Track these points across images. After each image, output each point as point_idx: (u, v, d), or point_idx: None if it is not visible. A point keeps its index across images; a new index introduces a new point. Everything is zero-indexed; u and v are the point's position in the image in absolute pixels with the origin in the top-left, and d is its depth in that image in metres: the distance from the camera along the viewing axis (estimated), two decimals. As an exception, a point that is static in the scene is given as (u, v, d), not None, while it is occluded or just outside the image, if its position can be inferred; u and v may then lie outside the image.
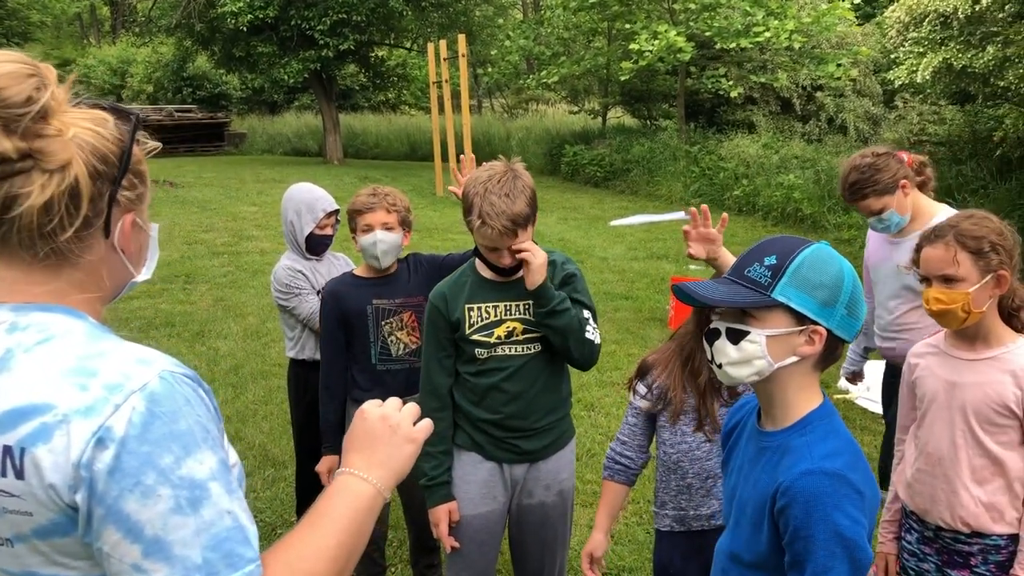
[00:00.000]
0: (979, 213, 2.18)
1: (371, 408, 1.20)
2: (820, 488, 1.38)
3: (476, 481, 2.45)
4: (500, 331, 2.37)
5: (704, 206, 2.36)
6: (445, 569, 2.72)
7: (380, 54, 23.66)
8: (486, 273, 2.40)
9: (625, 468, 2.43)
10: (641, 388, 2.40)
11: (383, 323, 2.95)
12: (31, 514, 0.95)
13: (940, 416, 2.20)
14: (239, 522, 0.97)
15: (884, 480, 3.13)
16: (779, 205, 11.71)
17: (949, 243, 2.11)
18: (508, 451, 2.44)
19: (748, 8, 13.71)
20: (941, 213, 2.97)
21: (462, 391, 2.45)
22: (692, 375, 2.29)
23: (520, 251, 2.25)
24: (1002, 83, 9.66)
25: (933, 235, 2.16)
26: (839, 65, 14.01)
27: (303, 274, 3.31)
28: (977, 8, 8.74)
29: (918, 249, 2.22)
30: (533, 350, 2.40)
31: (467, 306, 2.38)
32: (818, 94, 16.02)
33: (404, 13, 19.90)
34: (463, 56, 14.31)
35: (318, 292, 3.29)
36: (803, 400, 1.50)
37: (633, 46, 13.76)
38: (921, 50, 10.24)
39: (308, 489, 3.43)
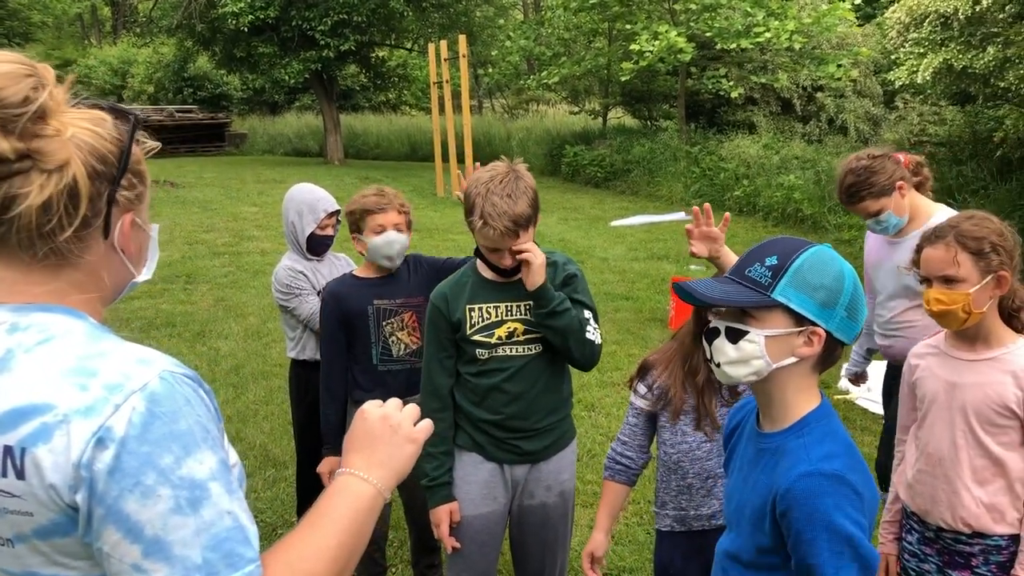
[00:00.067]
0: (979, 214, 2.18)
1: (372, 408, 1.20)
2: (819, 489, 1.38)
3: (477, 482, 2.45)
4: (501, 332, 2.37)
5: (707, 205, 2.36)
6: (446, 569, 2.72)
7: (381, 55, 23.67)
8: (487, 274, 2.40)
9: (626, 468, 2.43)
10: (641, 388, 2.40)
11: (384, 323, 2.95)
12: (32, 514, 0.95)
13: (941, 417, 2.20)
14: (239, 522, 0.97)
15: (884, 480, 3.14)
16: (779, 206, 11.71)
17: (950, 244, 2.11)
18: (509, 452, 2.44)
19: (749, 9, 13.71)
20: (939, 213, 2.97)
21: (463, 392, 2.45)
22: (691, 373, 2.29)
23: (520, 252, 2.25)
24: (1002, 84, 9.66)
25: (934, 236, 2.16)
26: (839, 66, 14.01)
27: (304, 275, 3.31)
28: (977, 9, 8.74)
29: (918, 250, 2.22)
30: (534, 351, 2.40)
31: (468, 307, 2.38)
32: (818, 95, 16.01)
33: (405, 14, 19.91)
34: (464, 57, 14.32)
35: (318, 292, 3.29)
36: (801, 401, 1.50)
37: (634, 47, 13.76)
38: (921, 51, 10.24)
39: (309, 489, 3.43)
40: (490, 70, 21.39)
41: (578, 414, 4.89)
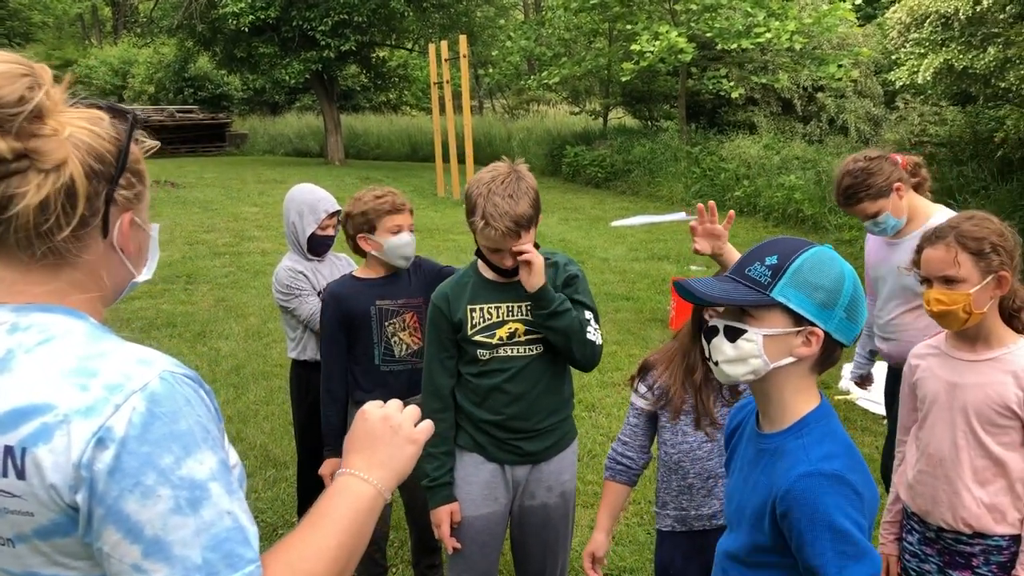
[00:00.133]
0: (980, 214, 2.18)
1: (372, 409, 1.20)
2: (819, 490, 1.38)
3: (478, 482, 2.45)
4: (502, 332, 2.37)
5: (711, 202, 2.37)
6: (446, 570, 2.72)
7: (381, 55, 23.69)
8: (488, 274, 2.40)
9: (626, 468, 2.43)
10: (642, 388, 2.40)
11: (387, 324, 2.95)
12: (32, 514, 0.95)
13: (941, 417, 2.19)
14: (239, 522, 0.97)
15: (888, 483, 3.13)
16: (780, 206, 11.71)
17: (950, 244, 2.11)
18: (510, 452, 2.44)
19: (749, 9, 13.71)
20: (938, 214, 2.97)
21: (464, 392, 2.45)
22: (689, 371, 2.30)
23: (520, 252, 2.25)
24: (1003, 84, 9.66)
25: (934, 236, 2.16)
26: (840, 66, 14.01)
27: (304, 275, 3.31)
28: (978, 9, 8.74)
29: (919, 250, 2.21)
30: (535, 351, 2.40)
31: (469, 307, 2.38)
32: (819, 95, 16.01)
33: (405, 14, 19.92)
34: (464, 57, 14.32)
35: (319, 293, 3.29)
36: (800, 402, 1.50)
37: (634, 47, 13.76)
38: (922, 51, 10.24)
39: (309, 490, 3.43)
40: (491, 70, 21.38)
41: (579, 414, 4.89)
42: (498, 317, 2.37)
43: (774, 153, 13.47)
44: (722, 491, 2.30)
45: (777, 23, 13.22)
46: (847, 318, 1.44)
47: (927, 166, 3.18)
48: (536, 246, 2.30)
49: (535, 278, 2.26)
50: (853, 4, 13.65)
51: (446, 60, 14.76)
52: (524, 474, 2.48)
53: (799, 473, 1.41)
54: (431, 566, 3.26)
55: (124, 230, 1.08)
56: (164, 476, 0.93)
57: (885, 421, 4.86)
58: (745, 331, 1.45)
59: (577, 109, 22.81)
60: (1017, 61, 9.00)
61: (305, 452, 3.47)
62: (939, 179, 9.86)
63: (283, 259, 3.39)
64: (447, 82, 14.63)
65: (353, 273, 3.08)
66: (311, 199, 3.31)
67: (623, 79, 15.02)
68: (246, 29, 18.68)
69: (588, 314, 2.40)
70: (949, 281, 2.10)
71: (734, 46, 13.47)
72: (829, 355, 1.47)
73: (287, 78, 19.84)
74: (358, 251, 2.98)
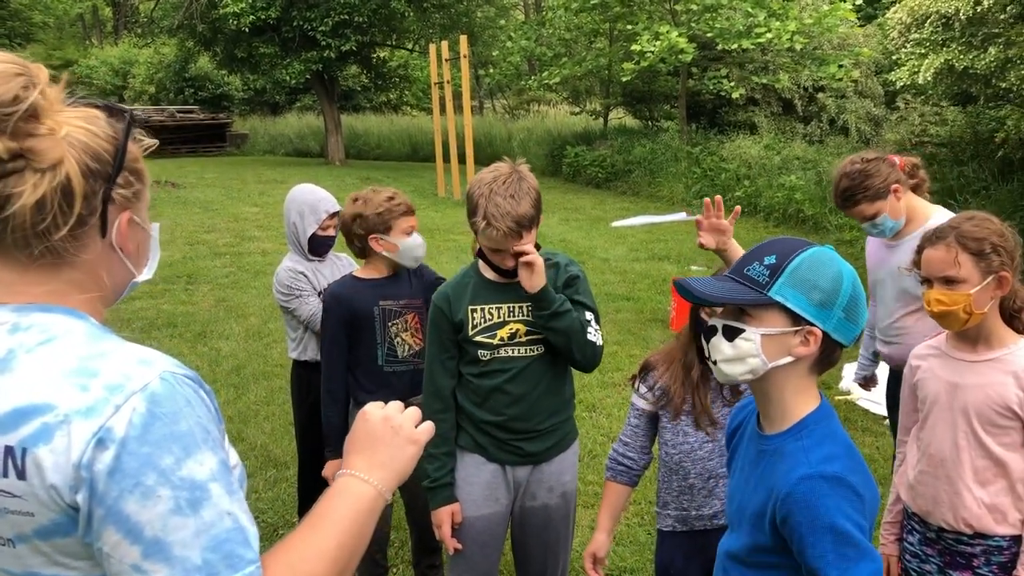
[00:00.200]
0: (980, 214, 2.18)
1: (373, 410, 1.20)
2: (820, 492, 1.38)
3: (479, 483, 2.45)
4: (503, 333, 2.37)
5: (718, 197, 2.38)
6: (447, 570, 2.73)
7: (382, 55, 23.68)
8: (489, 274, 2.40)
9: (627, 469, 2.43)
10: (643, 388, 2.41)
11: (390, 324, 2.95)
12: (33, 514, 0.95)
13: (942, 418, 2.19)
14: (239, 523, 0.97)
15: None
16: (781, 206, 11.70)
17: (950, 244, 2.11)
18: (511, 453, 2.44)
19: (750, 9, 13.70)
20: (936, 215, 2.96)
21: (465, 393, 2.45)
22: (686, 369, 2.30)
23: (521, 253, 2.25)
24: (1004, 84, 9.66)
25: (934, 236, 2.16)
26: (841, 66, 14.00)
27: (304, 275, 3.31)
28: (979, 9, 8.73)
29: (919, 250, 2.22)
30: (536, 352, 2.39)
31: (470, 307, 2.38)
32: (820, 95, 16.01)
33: (406, 14, 19.91)
34: (465, 57, 14.31)
35: (319, 293, 3.29)
36: (800, 403, 1.50)
37: (635, 47, 13.75)
38: (923, 51, 10.24)
39: (310, 490, 3.44)
40: (491, 70, 21.37)
41: (579, 415, 4.89)
42: (499, 318, 2.37)
43: (775, 153, 13.47)
44: (723, 491, 2.30)
45: (778, 23, 13.22)
46: (846, 318, 1.44)
47: (925, 167, 3.17)
48: (537, 247, 2.30)
49: (536, 279, 2.26)
50: (854, 4, 13.64)
51: (447, 60, 14.76)
52: (525, 475, 2.48)
53: (800, 475, 1.41)
54: (431, 566, 3.26)
55: (123, 229, 1.07)
56: (164, 477, 0.93)
57: (886, 421, 4.87)
58: (743, 330, 1.45)
59: (577, 109, 22.80)
60: (1018, 61, 9.00)
61: (306, 452, 3.47)
62: (940, 179, 9.87)
63: (284, 259, 3.39)
64: (448, 82, 14.62)
65: (354, 273, 3.07)
66: (312, 199, 3.31)
67: (624, 79, 15.01)
68: (247, 29, 18.67)
69: (589, 315, 2.40)
70: (949, 281, 2.10)
71: (735, 46, 13.46)
72: (828, 355, 1.47)
73: (288, 78, 19.83)
74: (362, 251, 2.97)
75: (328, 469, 3.03)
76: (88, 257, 1.05)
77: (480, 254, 2.39)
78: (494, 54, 21.73)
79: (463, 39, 14.55)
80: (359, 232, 2.90)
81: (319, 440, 3.13)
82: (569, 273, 2.43)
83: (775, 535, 1.47)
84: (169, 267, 8.95)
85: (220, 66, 22.72)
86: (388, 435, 1.17)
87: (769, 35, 13.06)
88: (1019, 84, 9.15)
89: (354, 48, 19.72)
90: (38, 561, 0.98)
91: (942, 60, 9.78)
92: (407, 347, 2.98)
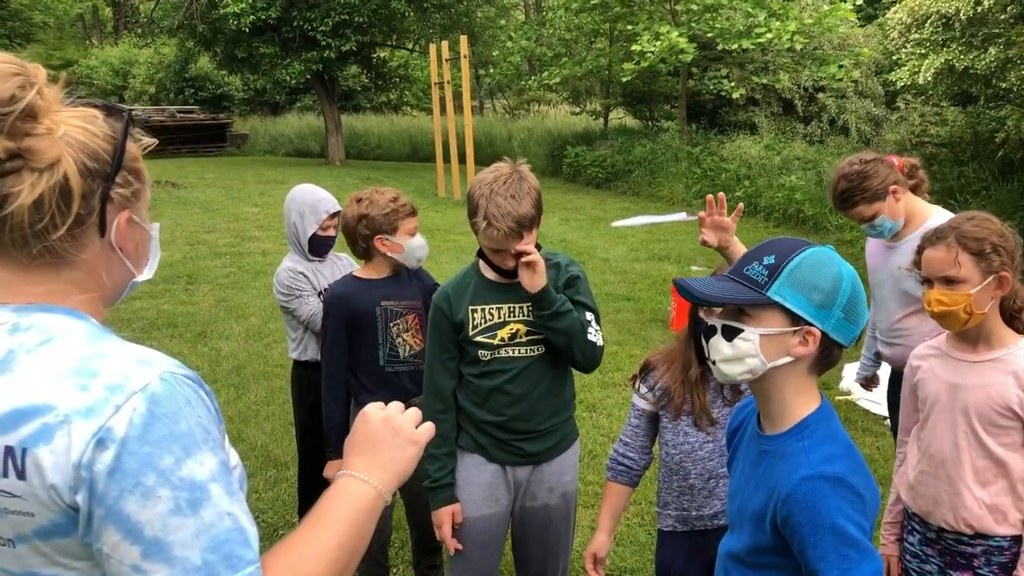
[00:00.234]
0: (980, 215, 2.18)
1: (373, 411, 1.20)
2: (821, 492, 1.38)
3: (479, 483, 2.45)
4: (504, 333, 2.37)
5: (721, 194, 2.38)
6: (447, 570, 2.73)
7: (382, 55, 23.68)
8: (490, 275, 2.40)
9: (628, 469, 2.43)
10: (643, 388, 2.41)
11: (392, 325, 2.95)
12: (33, 515, 0.95)
13: (943, 418, 2.19)
14: (239, 524, 0.97)
15: None
16: (781, 206, 11.70)
17: (951, 244, 2.10)
18: (512, 453, 2.44)
19: (750, 9, 13.71)
20: (935, 215, 2.95)
21: (465, 393, 2.45)
22: (684, 367, 2.30)
23: (522, 253, 2.25)
24: (1004, 85, 9.66)
25: (935, 236, 2.16)
26: (841, 66, 14.00)
27: (304, 276, 3.31)
28: (979, 10, 8.74)
29: (919, 251, 2.22)
30: (537, 352, 2.39)
31: (471, 307, 2.38)
32: (820, 95, 16.00)
33: (406, 14, 19.91)
34: (465, 57, 14.31)
35: (320, 293, 3.29)
36: (800, 403, 1.50)
37: (635, 47, 13.76)
38: (923, 51, 10.24)
39: (310, 490, 3.43)
40: (491, 71, 21.38)
41: (579, 415, 4.89)
42: (500, 318, 2.37)
43: (775, 153, 13.47)
44: (723, 491, 2.30)
45: (778, 23, 13.22)
46: (845, 318, 1.44)
47: (925, 167, 3.17)
48: (537, 247, 2.30)
49: (537, 279, 2.26)
50: (854, 4, 13.64)
51: (447, 60, 14.76)
52: (525, 475, 2.48)
53: (801, 476, 1.41)
54: (432, 566, 3.26)
55: (122, 228, 1.07)
56: (164, 477, 0.93)
57: (886, 421, 4.86)
58: (742, 330, 1.45)
59: (578, 109, 22.80)
60: (1018, 61, 9.01)
61: (306, 452, 3.47)
62: (940, 179, 9.87)
63: (284, 260, 3.39)
64: (448, 82, 14.62)
65: (354, 273, 3.07)
66: (312, 199, 3.31)
67: (624, 79, 15.01)
68: (247, 29, 18.67)
69: (589, 315, 2.40)
70: (950, 281, 2.10)
71: (735, 46, 13.46)
72: (828, 356, 1.47)
73: (288, 78, 19.83)
74: (366, 252, 2.97)
75: (329, 470, 3.03)
76: (87, 257, 1.05)
77: (481, 254, 2.39)
78: (494, 54, 21.73)
79: (463, 39, 14.55)
80: (365, 232, 2.90)
81: (319, 440, 3.13)
82: (570, 273, 2.43)
83: (776, 535, 1.47)
84: (169, 267, 8.95)
85: (220, 66, 22.72)
86: (388, 436, 1.17)
87: (769, 35, 13.06)
88: (1019, 84, 9.15)
89: (354, 48, 19.71)
90: (38, 561, 0.98)
91: (942, 60, 9.78)
92: (408, 347, 2.98)
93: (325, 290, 3.25)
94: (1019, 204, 9.07)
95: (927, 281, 2.18)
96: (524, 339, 2.38)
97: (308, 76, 20.01)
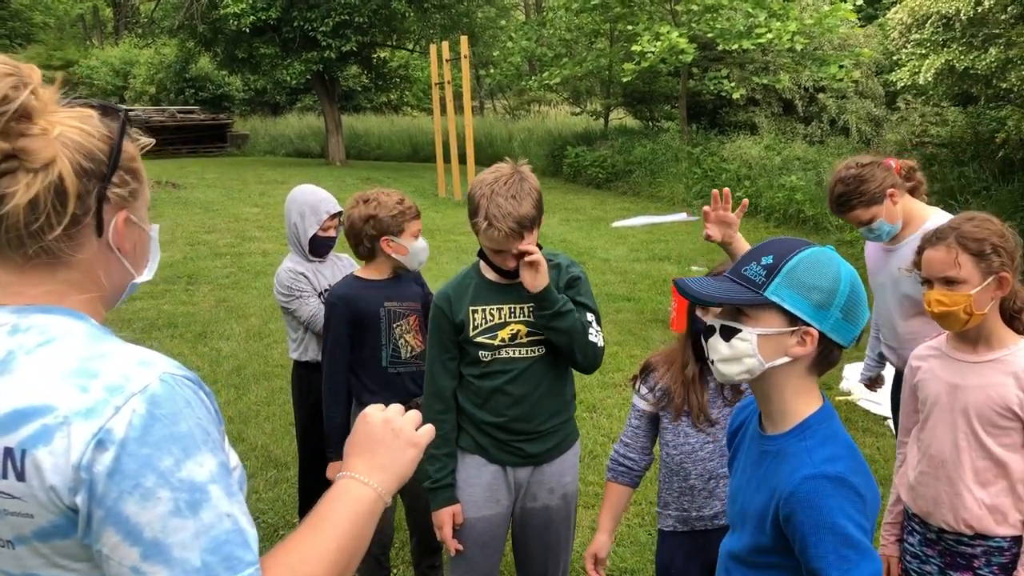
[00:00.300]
0: (980, 215, 2.18)
1: (374, 412, 1.20)
2: (822, 492, 1.38)
3: (480, 484, 2.45)
4: (504, 333, 2.37)
5: (726, 189, 2.38)
6: (448, 571, 2.72)
7: (382, 55, 23.68)
8: (490, 275, 2.40)
9: (628, 470, 2.43)
10: (643, 389, 2.41)
11: (395, 325, 2.95)
12: (32, 516, 0.95)
13: (943, 419, 2.19)
14: (239, 525, 0.97)
15: None
16: (781, 207, 11.70)
17: (951, 245, 2.10)
18: (512, 454, 2.44)
19: (750, 10, 13.70)
20: (934, 217, 2.94)
21: (466, 394, 2.45)
22: (683, 367, 2.30)
23: (525, 253, 2.25)
24: (1004, 85, 9.66)
25: (935, 237, 2.16)
26: (841, 67, 14.00)
27: (305, 276, 3.31)
28: (979, 10, 8.74)
29: (919, 251, 2.21)
30: (537, 353, 2.39)
31: (471, 308, 2.38)
32: (820, 95, 16.00)
33: (406, 15, 19.91)
34: (465, 57, 14.31)
35: (320, 294, 3.29)
36: (801, 404, 1.50)
37: (635, 47, 13.76)
38: (923, 52, 10.24)
39: (310, 491, 3.43)
40: (492, 71, 21.38)
41: (580, 415, 4.89)
42: (500, 319, 2.37)
43: (775, 154, 13.46)
44: (723, 492, 2.30)
45: (778, 24, 13.21)
46: (844, 319, 1.44)
47: (926, 167, 3.15)
48: (538, 247, 2.30)
49: (539, 279, 2.26)
50: (854, 5, 13.64)
51: (447, 61, 14.76)
52: (526, 476, 2.48)
53: (803, 475, 1.41)
54: (432, 567, 3.26)
55: (119, 228, 1.07)
56: (164, 478, 0.93)
57: (887, 422, 4.87)
58: (740, 330, 1.45)
59: (578, 110, 22.79)
60: (1018, 62, 9.01)
61: (306, 453, 3.47)
62: (940, 180, 9.87)
63: (284, 260, 3.38)
64: (448, 83, 14.62)
65: (356, 274, 3.06)
66: (312, 200, 3.31)
67: (624, 80, 15.01)
68: (247, 30, 18.67)
69: (590, 316, 2.40)
70: (950, 282, 2.10)
71: (735, 47, 13.46)
72: (827, 356, 1.47)
73: (288, 79, 19.83)
74: (371, 253, 2.96)
75: (331, 470, 3.02)
76: (84, 257, 1.05)
77: (481, 255, 2.39)
78: (495, 54, 21.73)
79: (464, 39, 14.55)
80: (372, 233, 2.89)
81: (320, 441, 3.12)
82: (571, 274, 2.42)
83: (777, 536, 1.47)
84: (170, 267, 8.95)
85: (221, 66, 22.72)
86: (389, 438, 1.17)
87: (770, 35, 13.06)
88: (1020, 84, 9.15)
89: (355, 48, 19.71)
90: (37, 563, 0.98)
91: (943, 60, 9.79)
92: (410, 348, 2.98)
93: (325, 291, 3.25)
94: (1019, 204, 9.07)
95: (927, 282, 2.18)
96: (525, 340, 2.38)
97: (308, 76, 20.01)
